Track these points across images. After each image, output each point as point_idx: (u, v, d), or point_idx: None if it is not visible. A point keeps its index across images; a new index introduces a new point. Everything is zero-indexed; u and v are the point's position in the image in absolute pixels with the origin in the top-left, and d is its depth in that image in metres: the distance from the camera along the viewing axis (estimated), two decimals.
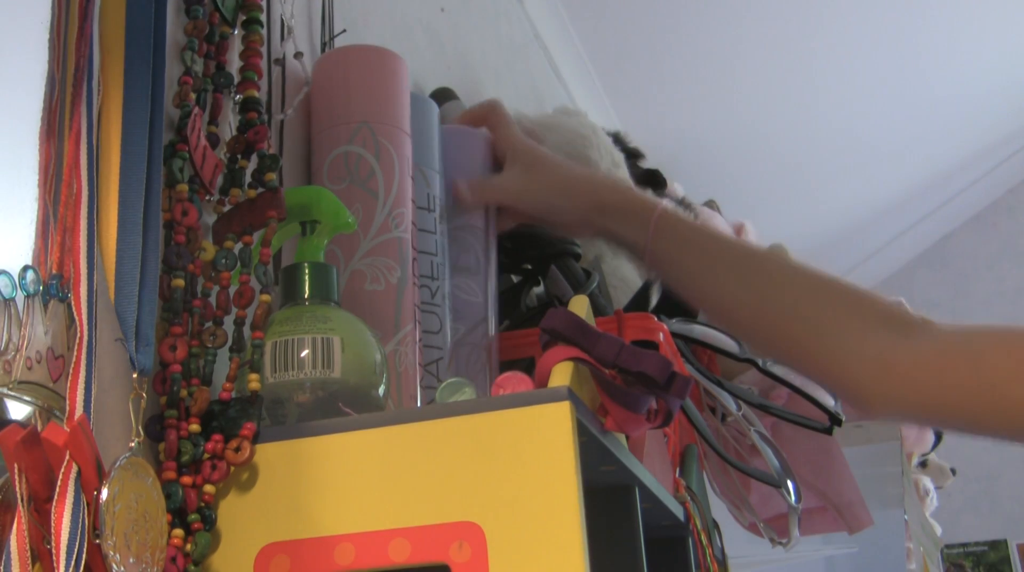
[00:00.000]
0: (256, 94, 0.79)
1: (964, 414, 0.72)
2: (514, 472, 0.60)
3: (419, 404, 0.84)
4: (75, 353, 0.55)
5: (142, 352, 0.60)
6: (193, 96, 0.73)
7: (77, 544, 0.50)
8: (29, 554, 0.50)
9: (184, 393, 0.65)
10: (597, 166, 1.31)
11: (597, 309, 1.05)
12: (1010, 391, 0.69)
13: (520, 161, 0.93)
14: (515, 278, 1.14)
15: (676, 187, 1.82)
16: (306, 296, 0.72)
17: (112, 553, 0.53)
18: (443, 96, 1.24)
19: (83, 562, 0.50)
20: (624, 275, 1.34)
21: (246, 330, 0.69)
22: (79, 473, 0.52)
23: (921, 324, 0.75)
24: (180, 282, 0.67)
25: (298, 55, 0.92)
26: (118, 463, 0.55)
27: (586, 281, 1.10)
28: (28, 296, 0.56)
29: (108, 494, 0.53)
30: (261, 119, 0.79)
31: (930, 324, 0.75)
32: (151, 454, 0.64)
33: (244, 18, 0.81)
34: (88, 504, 0.52)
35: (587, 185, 0.91)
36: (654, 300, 1.12)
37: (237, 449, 0.63)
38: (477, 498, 0.60)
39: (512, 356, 0.99)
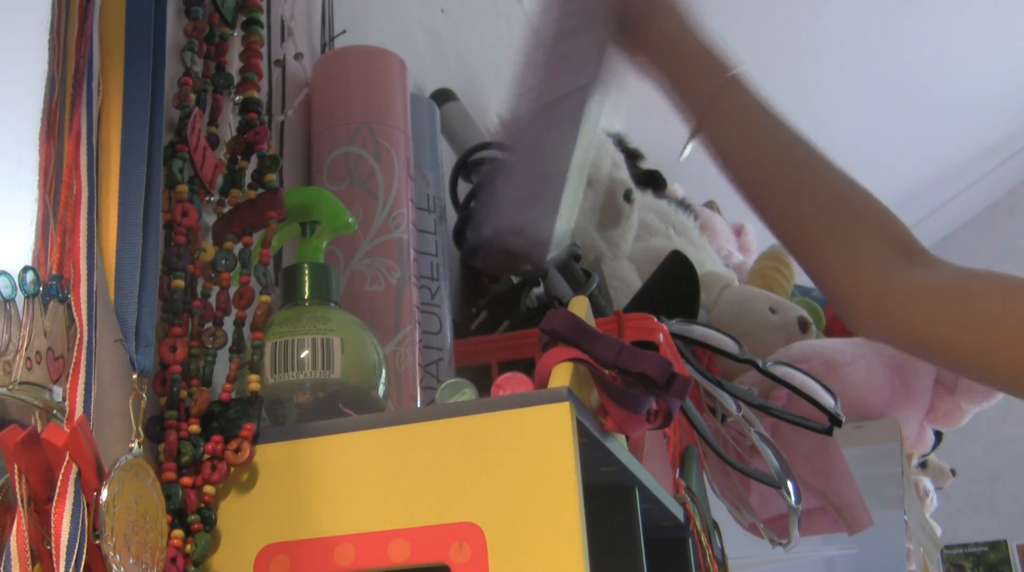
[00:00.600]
0: (256, 95, 0.79)
1: (949, 350, 0.74)
2: (514, 473, 0.60)
3: (419, 405, 0.84)
4: (75, 354, 0.55)
5: (142, 353, 0.60)
6: (193, 97, 0.73)
7: (77, 545, 0.50)
8: (29, 555, 0.50)
9: (184, 394, 0.65)
10: (597, 167, 1.31)
11: (597, 310, 1.05)
12: (996, 334, 0.71)
13: None
14: (515, 279, 1.14)
15: (676, 188, 1.82)
16: (306, 297, 0.72)
17: (112, 554, 0.53)
18: (443, 97, 1.24)
19: (83, 563, 0.50)
20: (624, 276, 1.34)
21: (246, 331, 0.69)
22: (79, 474, 0.52)
23: (927, 256, 0.76)
24: (180, 283, 0.67)
25: (298, 56, 0.92)
26: (118, 464, 0.55)
27: (586, 282, 1.10)
28: (28, 297, 0.56)
29: (108, 495, 0.53)
30: (261, 120, 0.79)
31: (936, 258, 0.77)
32: (151, 455, 0.63)
33: (244, 19, 0.81)
34: (88, 505, 0.52)
35: (688, 9, 0.86)
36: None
37: (237, 450, 0.63)
38: (477, 499, 0.60)
39: (512, 356, 0.99)
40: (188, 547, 0.61)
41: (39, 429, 0.53)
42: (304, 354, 0.68)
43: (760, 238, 1.98)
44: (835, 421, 1.17)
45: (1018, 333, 0.70)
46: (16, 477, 0.51)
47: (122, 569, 0.53)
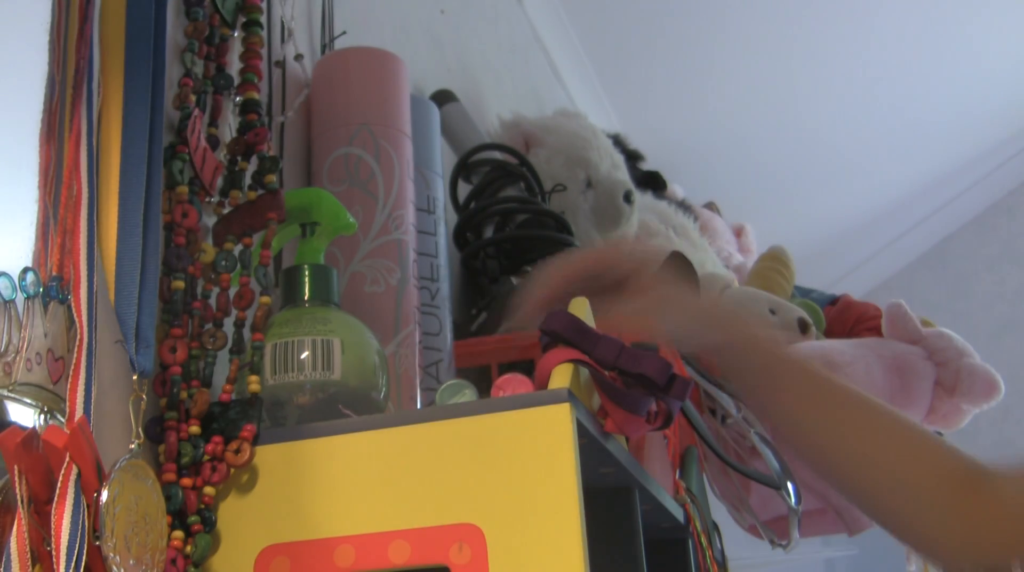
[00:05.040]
0: (256, 96, 0.79)
1: None
2: (514, 474, 0.59)
3: (419, 406, 0.84)
4: (75, 355, 0.55)
5: (142, 354, 0.60)
6: (193, 98, 0.73)
7: (77, 546, 0.50)
8: (29, 556, 0.50)
9: (184, 395, 0.65)
10: (597, 168, 1.31)
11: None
12: None
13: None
14: (515, 280, 1.14)
15: (676, 189, 1.82)
16: (306, 298, 0.72)
17: (112, 555, 0.52)
18: (443, 98, 1.24)
19: (83, 564, 0.50)
20: None
21: (246, 332, 0.69)
22: (79, 475, 0.52)
23: (990, 474, 0.77)
24: (180, 284, 0.67)
25: (298, 57, 0.92)
26: (118, 465, 0.55)
27: None
28: (28, 298, 0.56)
29: (108, 496, 0.53)
30: (261, 121, 0.79)
31: (997, 472, 0.78)
32: (151, 456, 0.63)
33: (244, 20, 0.81)
34: (88, 506, 0.52)
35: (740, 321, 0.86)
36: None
37: (237, 451, 0.63)
38: (477, 500, 0.60)
39: (512, 358, 0.99)
40: (188, 548, 0.61)
41: (39, 430, 0.53)
42: (304, 355, 0.68)
43: (760, 239, 1.98)
44: None
45: None
46: (16, 478, 0.51)
47: (122, 570, 0.53)
